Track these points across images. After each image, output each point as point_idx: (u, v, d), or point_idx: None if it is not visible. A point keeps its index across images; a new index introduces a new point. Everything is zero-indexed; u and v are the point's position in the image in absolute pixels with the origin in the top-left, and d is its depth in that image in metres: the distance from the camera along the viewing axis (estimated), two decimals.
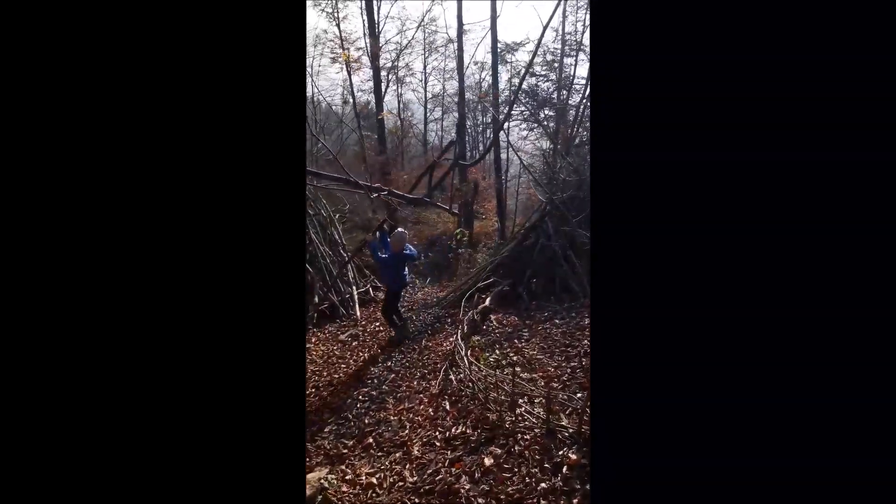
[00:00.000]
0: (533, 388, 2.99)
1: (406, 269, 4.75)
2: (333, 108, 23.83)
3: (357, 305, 5.87)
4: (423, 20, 17.79)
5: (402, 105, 22.46)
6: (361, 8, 16.30)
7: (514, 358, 3.68)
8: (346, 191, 4.51)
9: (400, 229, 5.06)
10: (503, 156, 14.85)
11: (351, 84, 17.71)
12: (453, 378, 3.47)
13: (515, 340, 4.07)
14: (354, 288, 6.16)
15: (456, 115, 16.31)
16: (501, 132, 13.80)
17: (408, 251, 4.65)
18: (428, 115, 21.72)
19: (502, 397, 2.84)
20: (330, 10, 16.23)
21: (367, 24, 15.81)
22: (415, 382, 3.74)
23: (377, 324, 5.43)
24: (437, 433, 2.84)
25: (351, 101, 18.68)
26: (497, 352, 3.89)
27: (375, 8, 16.45)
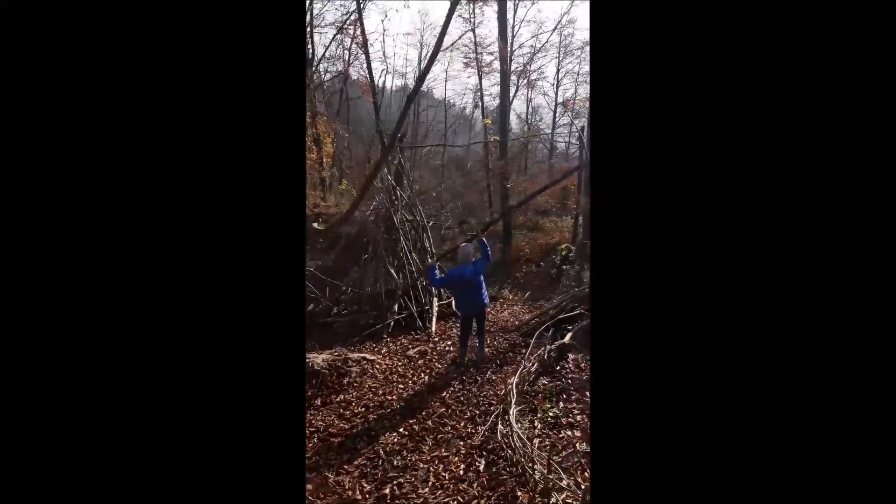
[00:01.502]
0: (577, 475, 2.36)
1: (480, 291, 4.28)
2: (465, 111, 24.21)
3: (434, 319, 5.58)
4: (559, 22, 17.02)
5: (530, 109, 21.88)
6: (496, 12, 16.12)
7: (578, 418, 3.04)
8: None
9: (465, 244, 4.64)
10: None
11: (480, 88, 17.73)
12: (502, 429, 2.96)
13: (588, 393, 3.40)
14: (436, 300, 5.88)
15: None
16: None
17: (469, 271, 4.17)
18: (557, 119, 20.86)
19: (537, 476, 2.28)
20: (466, 16, 16.41)
21: (498, 29, 15.59)
22: (461, 424, 3.31)
23: (449, 342, 5.08)
24: (457, 502, 2.39)
25: (480, 105, 18.76)
26: (561, 405, 3.27)
27: (511, 11, 16.20)
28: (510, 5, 16.02)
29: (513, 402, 3.04)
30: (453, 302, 4.55)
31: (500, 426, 3.02)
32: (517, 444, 2.61)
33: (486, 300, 4.42)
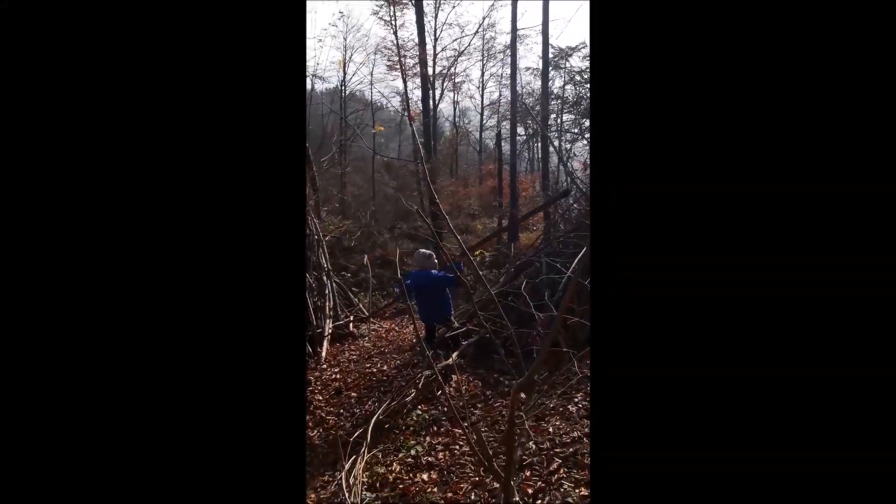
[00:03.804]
0: None
1: (446, 301, 4.13)
2: (392, 113, 23.87)
3: (326, 343, 5.19)
4: (480, 26, 17.11)
5: (458, 112, 21.87)
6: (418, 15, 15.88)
7: (440, 456, 2.78)
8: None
9: (421, 249, 4.36)
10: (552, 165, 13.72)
11: (405, 91, 17.44)
12: (346, 485, 2.63)
13: (461, 422, 3.15)
14: (330, 321, 5.50)
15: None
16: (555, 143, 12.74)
17: (431, 277, 3.98)
18: (484, 122, 20.98)
19: None
20: (387, 19, 16.07)
21: (417, 32, 15.38)
22: (321, 471, 2.96)
23: (337, 369, 4.73)
24: None
25: (406, 108, 18.47)
26: (428, 439, 3.00)
27: (433, 14, 16.05)
28: (430, 9, 15.91)
29: (364, 448, 2.72)
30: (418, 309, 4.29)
31: (350, 480, 2.70)
32: (354, 502, 2.30)
33: (451, 311, 4.31)
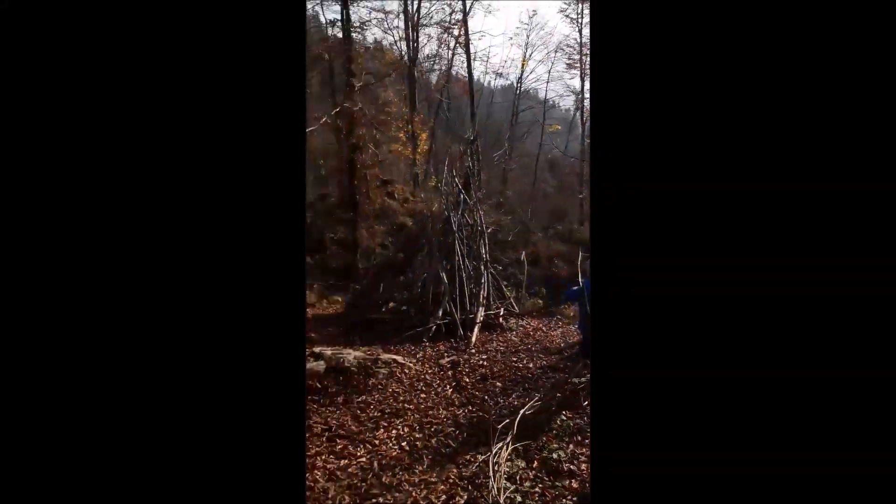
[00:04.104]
0: None
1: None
2: (564, 111, 23.47)
3: (476, 329, 5.40)
4: None
5: None
6: None
7: (582, 468, 2.72)
8: None
9: None
10: None
11: (581, 90, 17.02)
12: (492, 470, 2.73)
13: None
14: (483, 309, 5.70)
15: None
16: None
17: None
18: None
19: None
20: (574, 16, 15.81)
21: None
22: (464, 449, 3.12)
23: (485, 356, 4.89)
24: None
25: (581, 107, 18.00)
26: (571, 447, 2.95)
27: None
28: None
29: (509, 438, 2.80)
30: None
31: (492, 480, 2.79)
32: (497, 486, 2.39)
33: None
